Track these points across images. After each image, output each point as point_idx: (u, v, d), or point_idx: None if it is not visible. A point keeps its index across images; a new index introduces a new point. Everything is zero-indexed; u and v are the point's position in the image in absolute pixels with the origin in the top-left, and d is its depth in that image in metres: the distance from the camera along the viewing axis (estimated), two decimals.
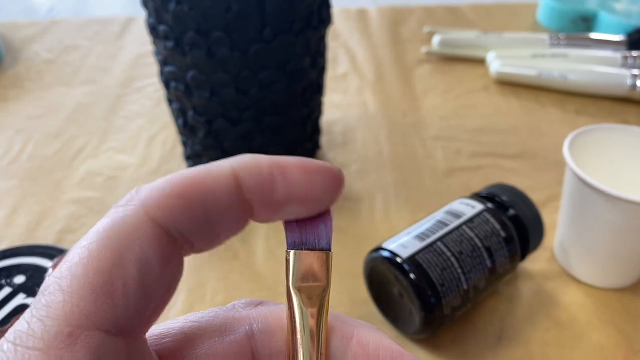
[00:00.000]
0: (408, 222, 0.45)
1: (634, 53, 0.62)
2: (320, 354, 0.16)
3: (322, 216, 0.17)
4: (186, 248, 0.16)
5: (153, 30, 0.43)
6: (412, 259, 0.34)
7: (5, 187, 0.51)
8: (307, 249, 0.17)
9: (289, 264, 0.17)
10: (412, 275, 0.34)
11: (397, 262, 0.34)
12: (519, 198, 0.39)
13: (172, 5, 0.39)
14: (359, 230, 0.45)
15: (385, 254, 0.35)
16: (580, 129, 0.40)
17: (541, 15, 0.76)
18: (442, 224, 0.37)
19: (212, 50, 0.40)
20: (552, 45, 0.67)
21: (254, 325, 0.17)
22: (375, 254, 0.36)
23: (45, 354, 0.14)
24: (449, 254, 0.35)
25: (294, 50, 0.42)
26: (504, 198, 0.39)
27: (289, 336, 0.17)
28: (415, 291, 0.34)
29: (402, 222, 0.45)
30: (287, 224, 0.17)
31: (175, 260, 0.16)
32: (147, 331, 0.16)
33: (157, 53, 0.45)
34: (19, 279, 0.34)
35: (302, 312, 0.17)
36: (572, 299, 0.40)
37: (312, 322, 0.17)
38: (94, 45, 0.73)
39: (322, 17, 0.44)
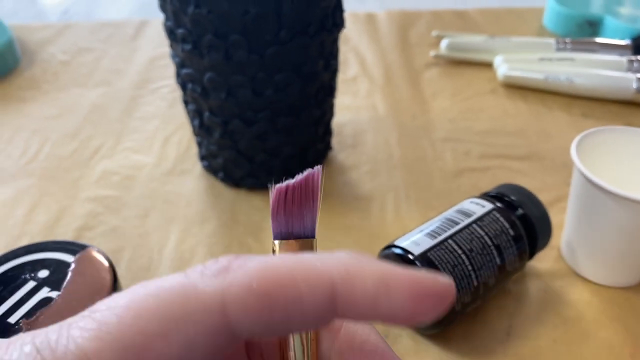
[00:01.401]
0: (418, 221, 0.46)
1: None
2: (310, 340, 0.17)
3: (308, 203, 0.17)
4: (241, 342, 0.15)
5: (171, 33, 0.44)
6: (424, 255, 0.35)
7: (23, 185, 0.52)
8: (293, 238, 0.17)
9: (275, 255, 0.17)
10: None
11: (410, 259, 0.35)
12: (528, 198, 0.40)
13: (190, 9, 0.40)
14: (370, 229, 0.46)
15: (398, 251, 0.36)
16: (587, 130, 0.41)
17: (547, 19, 0.77)
18: (452, 222, 0.38)
19: (230, 52, 0.41)
20: (559, 49, 0.67)
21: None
22: (387, 251, 0.37)
23: None
24: (459, 251, 0.36)
25: (309, 53, 0.43)
26: (513, 198, 0.40)
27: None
28: None
29: (413, 222, 0.46)
30: (273, 214, 0.17)
31: (223, 352, 0.15)
32: None
33: (174, 56, 0.46)
34: (43, 273, 0.36)
35: None
36: (579, 297, 0.40)
37: None
38: (108, 47, 0.75)
39: (335, 20, 0.45)
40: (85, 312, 0.14)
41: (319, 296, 0.14)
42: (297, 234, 0.17)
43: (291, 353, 0.17)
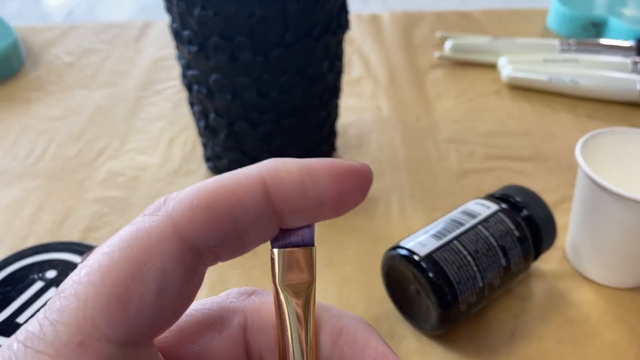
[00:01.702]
0: (423, 222, 0.46)
1: None
2: (310, 348, 0.17)
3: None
4: (211, 259, 0.16)
5: (177, 35, 0.44)
6: (429, 257, 0.36)
7: (30, 186, 0.52)
8: (292, 246, 0.17)
9: (274, 263, 0.17)
10: (430, 273, 0.35)
11: (415, 260, 0.36)
12: (532, 199, 0.40)
13: (196, 11, 0.41)
14: (375, 230, 0.46)
15: (403, 252, 0.36)
16: (592, 132, 0.41)
17: (551, 21, 0.77)
18: (458, 223, 0.38)
19: (235, 54, 0.41)
20: (563, 50, 0.68)
21: (248, 319, 0.17)
22: (393, 252, 0.37)
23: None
24: (465, 252, 0.36)
25: (314, 55, 0.43)
26: (518, 199, 0.40)
27: (278, 332, 0.17)
28: (432, 288, 0.35)
29: (417, 222, 0.47)
30: None
31: (197, 274, 0.15)
32: (157, 338, 0.16)
33: (180, 57, 0.46)
34: (51, 274, 0.36)
35: (290, 309, 0.17)
36: (584, 298, 0.41)
37: (300, 317, 0.17)
38: (112, 48, 0.75)
39: (340, 22, 0.45)
40: (54, 297, 0.15)
41: (255, 194, 0.15)
42: (296, 241, 0.17)
43: (290, 357, 0.17)
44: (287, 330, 0.17)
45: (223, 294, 0.18)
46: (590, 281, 0.42)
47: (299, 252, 0.17)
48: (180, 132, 0.59)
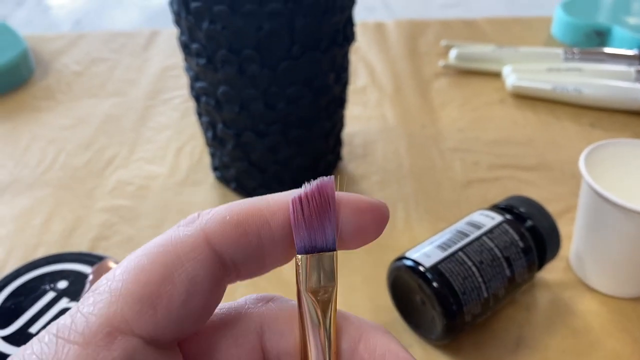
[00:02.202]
0: (428, 231, 0.46)
1: None
2: (332, 352, 0.17)
3: (327, 213, 0.17)
4: (232, 276, 0.17)
5: (186, 47, 0.45)
6: (435, 268, 0.36)
7: (39, 195, 0.53)
8: (317, 252, 0.17)
9: (299, 268, 0.17)
10: (435, 284, 0.36)
11: (421, 271, 0.36)
12: (537, 210, 0.41)
13: (205, 25, 0.41)
14: (381, 240, 0.46)
15: (409, 263, 0.37)
16: (596, 143, 0.42)
17: (555, 29, 0.78)
18: (463, 234, 0.38)
19: (243, 67, 0.42)
20: (567, 59, 0.68)
21: (265, 325, 0.17)
22: (399, 263, 0.38)
23: (83, 348, 0.14)
24: (470, 263, 0.36)
25: (320, 67, 0.44)
26: (522, 210, 0.41)
27: (301, 337, 0.17)
28: (438, 299, 0.36)
29: (423, 231, 0.47)
30: (295, 227, 0.17)
31: (221, 286, 0.16)
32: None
33: (188, 69, 0.47)
34: (62, 284, 0.36)
35: (314, 315, 0.17)
36: (588, 307, 0.41)
37: (323, 322, 0.17)
38: (120, 57, 0.76)
39: (346, 35, 0.46)
40: (88, 294, 0.15)
41: (281, 218, 0.16)
42: (321, 247, 0.17)
43: None
44: (310, 335, 0.17)
45: (241, 300, 0.18)
46: (594, 291, 0.42)
47: (323, 256, 0.17)
48: (187, 141, 0.59)
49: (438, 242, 0.38)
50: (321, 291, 0.17)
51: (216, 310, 0.18)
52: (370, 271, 0.44)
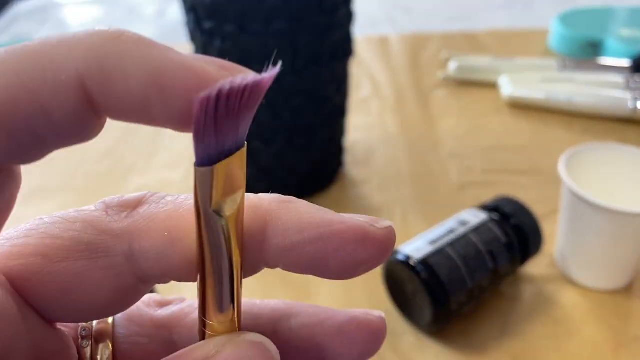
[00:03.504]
0: (424, 231, 0.50)
1: (637, 77, 0.67)
2: (239, 275, 0.14)
3: (248, 111, 0.13)
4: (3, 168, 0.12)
5: None
6: (423, 261, 0.40)
7: (66, 201, 0.57)
8: (225, 157, 0.13)
9: (199, 183, 0.13)
10: (423, 275, 0.39)
11: (410, 264, 0.40)
12: (520, 209, 0.45)
13: (217, 43, 0.46)
14: None
15: (401, 257, 0.41)
16: (576, 147, 0.45)
17: (552, 41, 0.81)
18: (450, 231, 0.42)
19: None
20: (561, 70, 0.71)
21: (135, 243, 0.14)
22: (392, 257, 0.42)
23: None
24: (455, 256, 0.40)
25: (322, 80, 0.48)
26: (507, 209, 0.44)
27: (202, 256, 0.14)
28: (426, 289, 0.39)
29: (419, 231, 0.50)
30: (200, 134, 0.12)
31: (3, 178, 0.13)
32: None
33: None
34: None
35: (222, 231, 0.13)
36: (569, 299, 0.44)
37: (234, 236, 0.14)
38: None
39: (346, 50, 0.50)
40: None
41: (67, 103, 0.12)
42: (230, 148, 0.13)
43: (225, 283, 0.14)
44: (221, 257, 0.14)
45: (99, 205, 0.15)
46: (575, 284, 0.45)
47: (234, 159, 0.13)
48: None
49: (428, 238, 0.42)
50: (232, 202, 0.13)
51: (65, 224, 0.14)
52: None
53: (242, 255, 0.14)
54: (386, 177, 0.58)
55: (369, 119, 0.68)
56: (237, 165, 0.13)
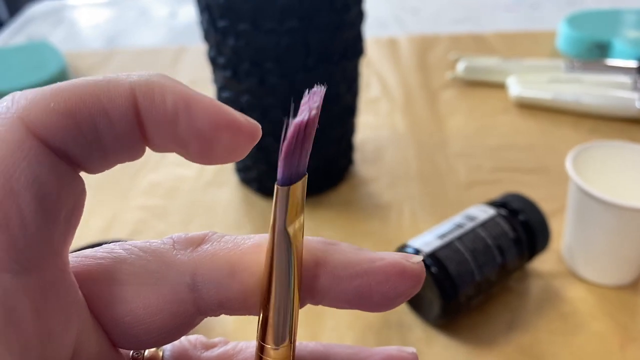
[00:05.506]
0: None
1: None
2: (296, 289, 0.15)
3: (311, 136, 0.14)
4: (74, 167, 0.14)
5: (213, 61, 0.50)
6: (432, 255, 0.41)
7: None
8: (299, 179, 0.14)
9: (282, 202, 0.14)
10: (432, 269, 0.40)
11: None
12: (528, 205, 0.45)
13: (231, 41, 0.47)
14: (389, 235, 0.51)
15: (410, 250, 0.41)
16: (584, 144, 0.46)
17: (560, 43, 0.82)
18: (459, 226, 0.43)
19: (264, 78, 0.47)
20: (568, 71, 0.72)
21: (198, 276, 0.15)
22: (401, 250, 0.42)
23: None
24: (464, 250, 0.41)
25: (333, 78, 0.49)
26: (515, 205, 0.45)
27: (266, 278, 0.15)
28: (435, 282, 0.40)
29: (427, 228, 0.51)
30: (287, 155, 0.14)
31: (71, 176, 0.14)
32: (63, 259, 0.14)
33: (215, 80, 0.52)
34: None
35: (292, 252, 0.15)
36: (576, 294, 0.45)
37: (299, 258, 0.15)
38: None
39: (356, 49, 0.51)
40: None
41: (123, 106, 0.14)
42: (302, 173, 0.14)
43: (291, 302, 0.15)
44: (291, 277, 0.15)
45: (167, 240, 0.16)
46: (582, 280, 0.46)
47: (302, 184, 0.14)
48: None
49: (437, 232, 0.42)
50: (297, 225, 0.15)
51: (136, 253, 0.15)
52: None
53: (299, 287, 0.15)
54: (395, 176, 0.59)
55: (379, 119, 0.69)
56: (302, 190, 0.15)
